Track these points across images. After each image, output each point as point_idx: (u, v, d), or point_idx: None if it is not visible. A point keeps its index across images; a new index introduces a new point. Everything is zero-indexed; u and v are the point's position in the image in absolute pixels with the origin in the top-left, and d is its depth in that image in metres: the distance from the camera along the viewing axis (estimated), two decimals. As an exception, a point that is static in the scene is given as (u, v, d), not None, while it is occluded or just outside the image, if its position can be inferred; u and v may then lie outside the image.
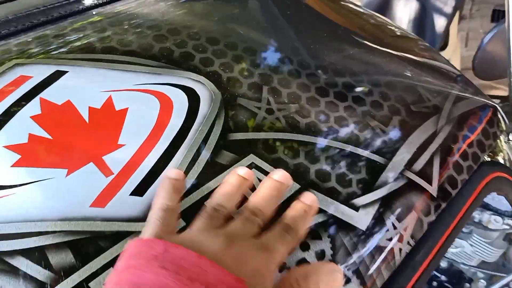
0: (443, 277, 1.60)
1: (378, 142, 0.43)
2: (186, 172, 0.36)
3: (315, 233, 0.36)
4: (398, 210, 0.40)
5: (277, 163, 0.39)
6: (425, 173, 0.43)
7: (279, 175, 0.34)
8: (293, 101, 0.45)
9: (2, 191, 0.33)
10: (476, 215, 1.43)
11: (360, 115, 0.45)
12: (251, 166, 0.38)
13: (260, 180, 0.37)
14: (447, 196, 0.44)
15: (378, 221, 0.38)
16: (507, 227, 1.35)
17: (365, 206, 0.38)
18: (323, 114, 0.44)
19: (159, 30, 0.49)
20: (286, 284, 0.27)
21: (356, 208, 0.38)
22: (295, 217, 0.31)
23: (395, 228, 0.39)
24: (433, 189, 0.43)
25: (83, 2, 0.55)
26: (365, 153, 0.42)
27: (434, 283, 1.62)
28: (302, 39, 0.54)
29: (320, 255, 0.35)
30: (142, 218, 0.33)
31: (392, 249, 0.39)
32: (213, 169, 0.37)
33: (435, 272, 1.62)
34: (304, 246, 0.35)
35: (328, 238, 0.36)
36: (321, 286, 0.27)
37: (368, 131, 0.44)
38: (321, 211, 0.37)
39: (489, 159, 0.52)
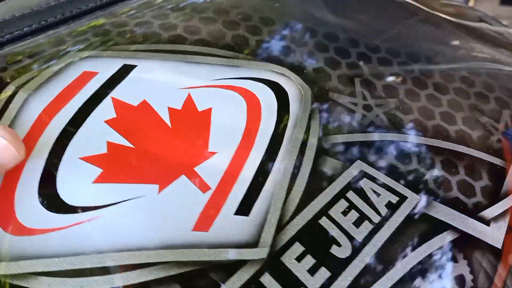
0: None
1: (493, 142, 0.38)
2: (289, 188, 0.31)
3: (449, 254, 0.30)
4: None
5: (390, 170, 0.34)
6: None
7: None
8: (390, 96, 0.39)
9: (86, 214, 0.27)
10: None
11: (467, 110, 0.40)
12: (360, 174, 0.33)
13: (374, 192, 0.32)
14: None
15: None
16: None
17: (495, 218, 0.33)
18: (426, 109, 0.39)
19: (227, 14, 0.43)
20: None
21: (486, 222, 0.33)
22: None
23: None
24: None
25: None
26: (482, 155, 0.37)
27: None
28: (380, 21, 0.48)
29: (460, 282, 0.30)
30: (253, 243, 0.28)
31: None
32: (319, 182, 0.32)
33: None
34: (440, 270, 0.30)
35: (465, 260, 0.30)
36: None
37: (480, 129, 0.39)
38: (449, 227, 0.31)
39: None
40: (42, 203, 0.28)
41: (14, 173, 0.28)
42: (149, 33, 0.39)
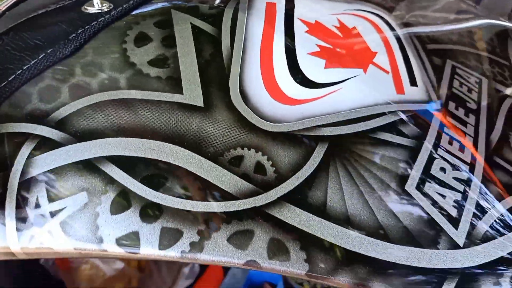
0: None
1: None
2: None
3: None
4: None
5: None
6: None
7: None
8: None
9: (330, 88, 0.38)
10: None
11: None
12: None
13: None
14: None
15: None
16: None
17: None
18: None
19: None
20: None
21: (528, 90, 0.51)
22: None
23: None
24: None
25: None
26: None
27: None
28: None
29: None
30: (429, 99, 0.41)
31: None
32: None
33: None
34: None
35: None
36: None
37: None
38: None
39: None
40: (295, 80, 0.37)
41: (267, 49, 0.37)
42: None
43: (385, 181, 0.34)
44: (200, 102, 0.35)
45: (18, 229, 0.31)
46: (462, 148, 0.38)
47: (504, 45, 0.61)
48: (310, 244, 0.30)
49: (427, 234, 0.32)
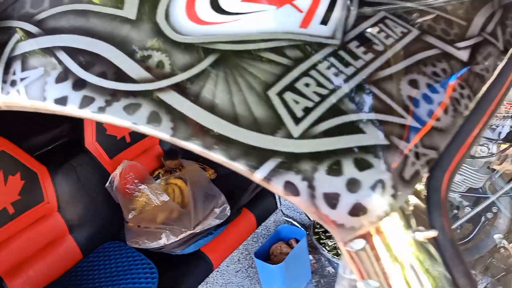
0: (435, 205, 1.83)
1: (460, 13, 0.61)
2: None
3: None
4: (484, 55, 0.57)
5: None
6: (494, 35, 0.61)
7: None
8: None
9: (236, 16, 0.48)
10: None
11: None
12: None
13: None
14: (507, 51, 0.62)
15: (473, 58, 0.56)
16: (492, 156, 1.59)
17: (463, 48, 0.56)
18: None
19: None
20: None
21: (457, 48, 0.55)
22: None
23: (481, 61, 0.57)
24: (500, 45, 0.61)
25: None
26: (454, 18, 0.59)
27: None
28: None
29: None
30: (332, 36, 0.49)
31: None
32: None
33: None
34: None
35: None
36: None
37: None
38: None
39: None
40: (211, 7, 0.48)
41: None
42: None
43: (253, 85, 0.43)
44: (133, 16, 0.47)
45: (2, 88, 0.47)
46: (337, 73, 0.45)
47: (475, 9, 0.64)
48: (179, 118, 0.42)
49: (270, 125, 0.41)
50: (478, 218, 1.85)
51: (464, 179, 1.70)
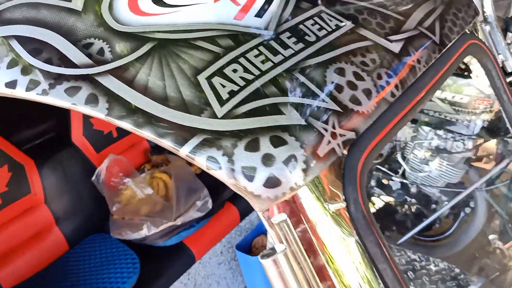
0: (413, 200, 1.88)
1: (400, 8, 0.65)
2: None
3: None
4: (417, 47, 0.61)
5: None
6: (431, 29, 0.65)
7: None
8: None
9: (174, 8, 0.52)
10: (442, 143, 1.70)
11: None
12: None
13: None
14: (445, 44, 0.66)
15: (405, 50, 0.60)
16: (468, 152, 1.63)
17: (396, 41, 0.60)
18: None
19: None
20: None
21: (390, 41, 0.59)
22: None
23: (413, 53, 0.61)
24: (436, 38, 0.65)
25: None
26: (391, 13, 0.63)
27: (406, 206, 1.90)
28: None
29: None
30: (265, 28, 0.53)
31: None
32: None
33: (406, 196, 1.89)
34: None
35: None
36: None
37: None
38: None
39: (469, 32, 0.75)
40: (152, 0, 0.52)
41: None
42: None
43: (184, 71, 0.47)
44: (79, 8, 0.51)
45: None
46: (265, 60, 0.49)
47: (417, 5, 0.68)
48: (114, 99, 0.46)
49: (197, 106, 0.45)
50: (458, 213, 1.90)
51: (441, 174, 1.74)
